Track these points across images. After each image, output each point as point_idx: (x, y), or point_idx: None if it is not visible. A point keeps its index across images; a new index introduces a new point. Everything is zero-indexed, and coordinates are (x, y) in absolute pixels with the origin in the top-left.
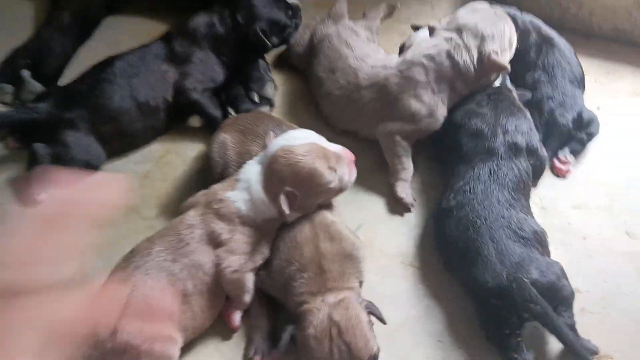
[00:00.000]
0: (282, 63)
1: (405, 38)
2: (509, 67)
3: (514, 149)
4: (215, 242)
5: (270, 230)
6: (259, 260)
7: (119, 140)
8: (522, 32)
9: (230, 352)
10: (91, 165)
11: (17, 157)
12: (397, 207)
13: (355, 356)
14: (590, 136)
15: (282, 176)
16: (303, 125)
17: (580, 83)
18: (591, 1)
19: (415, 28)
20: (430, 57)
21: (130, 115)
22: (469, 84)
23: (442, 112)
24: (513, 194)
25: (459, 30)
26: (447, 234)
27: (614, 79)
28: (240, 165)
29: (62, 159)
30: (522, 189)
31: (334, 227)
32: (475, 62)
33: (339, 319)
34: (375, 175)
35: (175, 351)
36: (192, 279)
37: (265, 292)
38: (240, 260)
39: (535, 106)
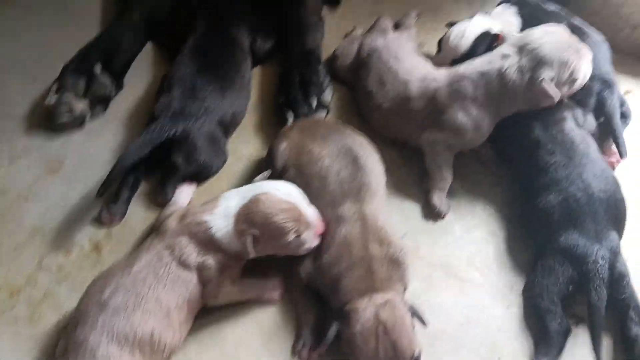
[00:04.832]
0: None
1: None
2: (557, 98)
3: None
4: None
5: (236, 263)
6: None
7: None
8: None
9: (278, 347)
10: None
11: None
12: (430, 214)
13: (399, 354)
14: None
15: (254, 219)
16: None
17: None
18: None
19: (450, 25)
20: (481, 74)
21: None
22: (515, 105)
23: (488, 128)
24: None
25: (520, 48)
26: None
27: None
28: (299, 167)
29: (198, 163)
30: None
31: (383, 231)
32: (524, 85)
33: (385, 318)
34: (421, 185)
35: None
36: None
37: (312, 287)
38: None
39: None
